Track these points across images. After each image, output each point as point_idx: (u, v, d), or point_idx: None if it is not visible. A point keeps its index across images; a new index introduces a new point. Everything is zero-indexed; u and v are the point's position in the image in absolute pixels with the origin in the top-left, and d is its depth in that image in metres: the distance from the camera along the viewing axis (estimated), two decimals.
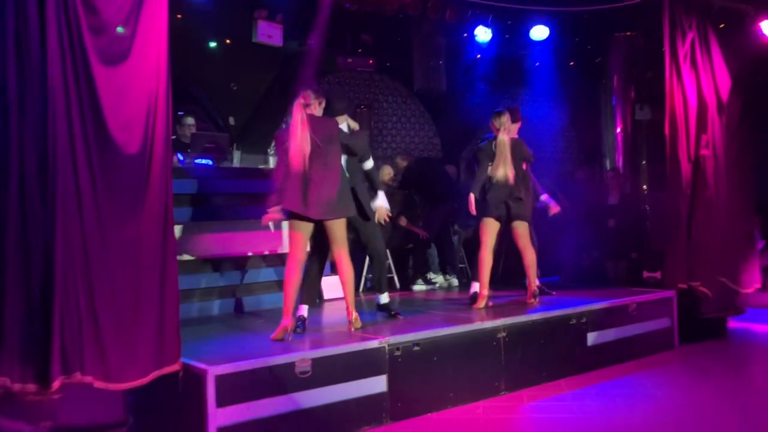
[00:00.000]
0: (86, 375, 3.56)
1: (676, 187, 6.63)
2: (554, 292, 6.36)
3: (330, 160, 4.73)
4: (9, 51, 3.48)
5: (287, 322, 4.63)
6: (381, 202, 5.27)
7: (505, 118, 5.71)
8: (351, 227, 5.29)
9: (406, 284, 7.58)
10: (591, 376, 5.50)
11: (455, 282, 7.67)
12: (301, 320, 4.93)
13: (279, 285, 6.15)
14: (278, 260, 6.19)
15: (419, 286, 7.50)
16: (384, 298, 5.46)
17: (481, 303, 5.69)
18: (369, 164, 5.25)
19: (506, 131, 5.68)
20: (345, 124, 5.19)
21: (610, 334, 5.85)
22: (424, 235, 7.53)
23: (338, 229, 4.85)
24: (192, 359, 3.96)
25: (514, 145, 5.70)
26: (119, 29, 3.77)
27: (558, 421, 4.43)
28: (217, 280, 5.94)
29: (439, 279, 7.63)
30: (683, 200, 6.61)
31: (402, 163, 8.26)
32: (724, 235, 6.72)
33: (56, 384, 3.45)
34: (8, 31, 3.48)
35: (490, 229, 5.71)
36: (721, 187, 6.74)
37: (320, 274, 5.40)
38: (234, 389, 3.83)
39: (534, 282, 5.88)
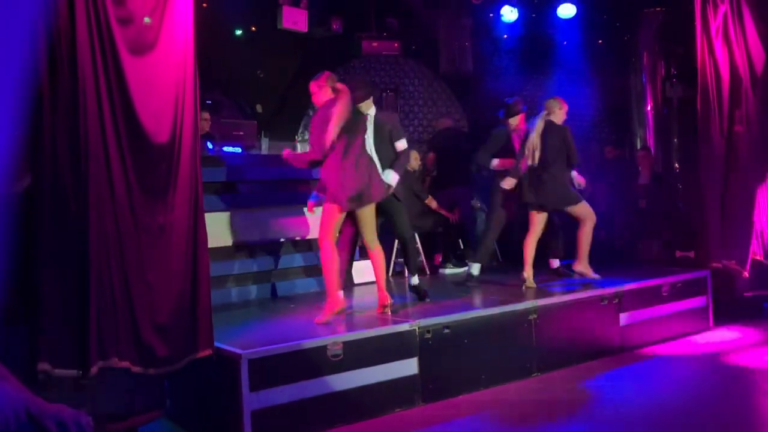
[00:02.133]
0: (123, 360, 3.64)
1: (708, 164, 6.51)
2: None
3: (352, 148, 4.73)
4: (40, 43, 3.54)
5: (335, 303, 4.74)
6: (387, 179, 5.17)
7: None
8: (381, 211, 5.31)
9: (435, 268, 7.57)
10: (624, 357, 5.46)
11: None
12: None
13: (310, 270, 6.21)
14: (310, 245, 6.22)
15: (450, 270, 7.48)
16: (415, 279, 5.53)
17: (525, 283, 5.81)
18: (401, 145, 5.32)
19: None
20: (372, 109, 5.21)
21: (643, 315, 5.80)
22: (454, 218, 7.50)
23: (368, 215, 4.89)
24: (226, 344, 4.02)
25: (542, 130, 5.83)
26: (146, 19, 3.80)
27: (590, 402, 4.42)
28: (249, 265, 5.99)
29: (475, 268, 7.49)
30: (716, 177, 6.49)
31: (443, 123, 8.20)
32: (759, 212, 6.59)
33: (94, 369, 3.53)
34: (39, 23, 3.53)
35: (534, 218, 5.90)
36: (756, 163, 6.60)
37: (350, 259, 5.47)
38: (267, 373, 3.88)
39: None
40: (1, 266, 3.33)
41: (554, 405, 4.42)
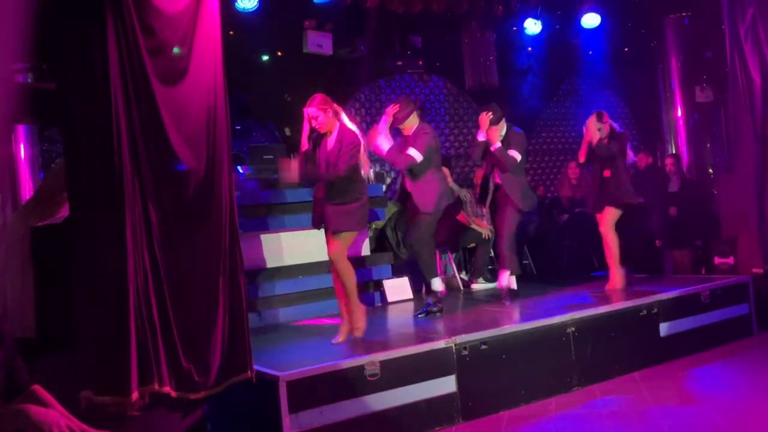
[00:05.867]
0: (163, 386, 3.67)
1: (743, 167, 6.43)
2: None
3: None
4: (73, 76, 3.64)
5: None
6: None
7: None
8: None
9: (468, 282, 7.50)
10: (666, 367, 5.34)
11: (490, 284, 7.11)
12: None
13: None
14: None
15: (480, 285, 7.40)
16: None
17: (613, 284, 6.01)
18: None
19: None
20: (415, 127, 5.60)
21: (683, 324, 5.67)
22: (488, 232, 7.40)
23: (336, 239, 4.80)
24: (262, 366, 4.03)
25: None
26: (175, 50, 3.87)
27: (633, 415, 4.33)
28: (285, 287, 6.02)
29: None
30: (752, 181, 6.39)
31: None
32: None
33: (135, 395, 3.56)
34: (73, 58, 3.63)
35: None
36: None
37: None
38: (305, 394, 3.88)
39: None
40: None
41: (596, 419, 4.35)
